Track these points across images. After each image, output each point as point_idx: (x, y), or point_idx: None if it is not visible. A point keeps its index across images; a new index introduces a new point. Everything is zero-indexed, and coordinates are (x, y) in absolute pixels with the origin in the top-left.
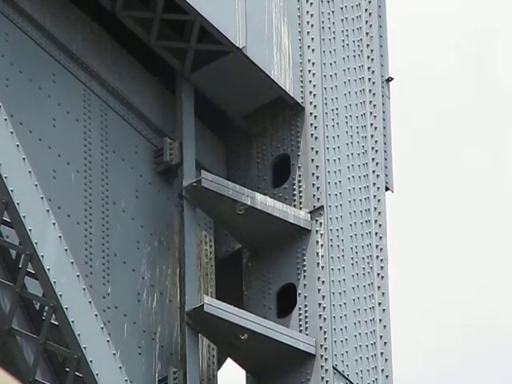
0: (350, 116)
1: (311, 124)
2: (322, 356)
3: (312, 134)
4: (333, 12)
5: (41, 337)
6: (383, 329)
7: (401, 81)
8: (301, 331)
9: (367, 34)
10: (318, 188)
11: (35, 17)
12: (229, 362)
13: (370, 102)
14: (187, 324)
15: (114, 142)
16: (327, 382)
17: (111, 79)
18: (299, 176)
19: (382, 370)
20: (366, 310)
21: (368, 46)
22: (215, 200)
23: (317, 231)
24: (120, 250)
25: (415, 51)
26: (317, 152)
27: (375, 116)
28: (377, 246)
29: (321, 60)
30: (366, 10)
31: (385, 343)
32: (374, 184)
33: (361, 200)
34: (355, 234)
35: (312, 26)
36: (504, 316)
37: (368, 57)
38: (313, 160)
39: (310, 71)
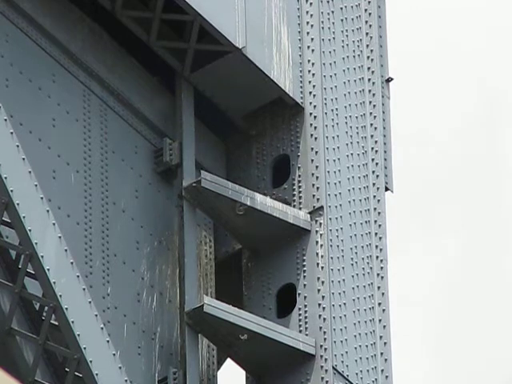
0: (350, 116)
1: (311, 124)
2: (321, 356)
3: (312, 135)
4: (332, 12)
5: (41, 337)
6: (383, 329)
7: (401, 81)
8: (301, 331)
9: (367, 34)
10: (317, 188)
11: (35, 17)
12: (229, 362)
13: (370, 102)
14: (187, 324)
15: (114, 142)
16: (327, 382)
17: (111, 79)
18: (299, 176)
19: (382, 371)
20: (365, 310)
21: (368, 46)
22: (215, 200)
23: (316, 231)
24: (120, 250)
25: (415, 51)
26: (316, 152)
27: (375, 116)
28: (376, 247)
29: (320, 60)
30: (366, 10)
31: (385, 343)
32: (374, 184)
33: (360, 200)
34: (355, 235)
35: (312, 26)
36: (504, 315)
37: (368, 57)
38: (312, 160)
39: (309, 71)
